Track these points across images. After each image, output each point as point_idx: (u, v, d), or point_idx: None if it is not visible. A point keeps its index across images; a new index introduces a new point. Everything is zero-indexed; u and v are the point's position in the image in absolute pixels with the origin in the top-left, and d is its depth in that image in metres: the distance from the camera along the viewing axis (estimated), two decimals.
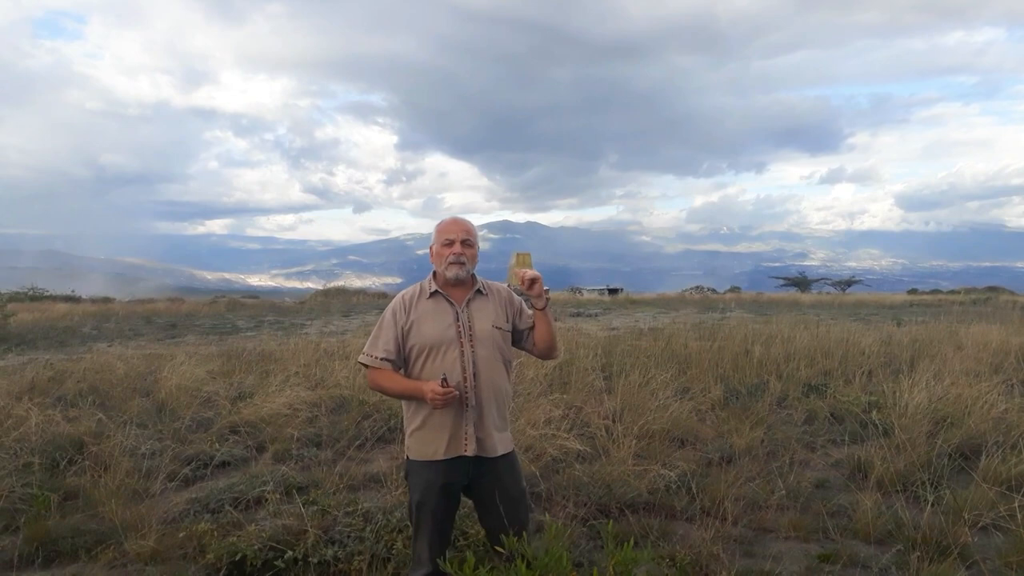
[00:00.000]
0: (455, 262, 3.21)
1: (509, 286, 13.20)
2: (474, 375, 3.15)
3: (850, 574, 4.07)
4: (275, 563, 3.91)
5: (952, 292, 50.33)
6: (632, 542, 2.69)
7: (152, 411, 7.40)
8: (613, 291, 50.16)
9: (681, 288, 55.37)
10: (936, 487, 5.05)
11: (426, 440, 3.22)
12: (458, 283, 3.27)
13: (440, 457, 3.16)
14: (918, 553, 4.05)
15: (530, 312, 3.38)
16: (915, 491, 5.05)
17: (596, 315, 26.94)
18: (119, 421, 6.60)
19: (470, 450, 3.14)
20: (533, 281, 3.14)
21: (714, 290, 54.22)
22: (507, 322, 3.32)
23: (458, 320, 3.21)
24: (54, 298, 31.94)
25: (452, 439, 3.15)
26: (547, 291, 3.24)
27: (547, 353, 3.43)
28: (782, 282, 59.96)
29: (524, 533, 3.12)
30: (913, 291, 54.25)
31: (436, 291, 3.26)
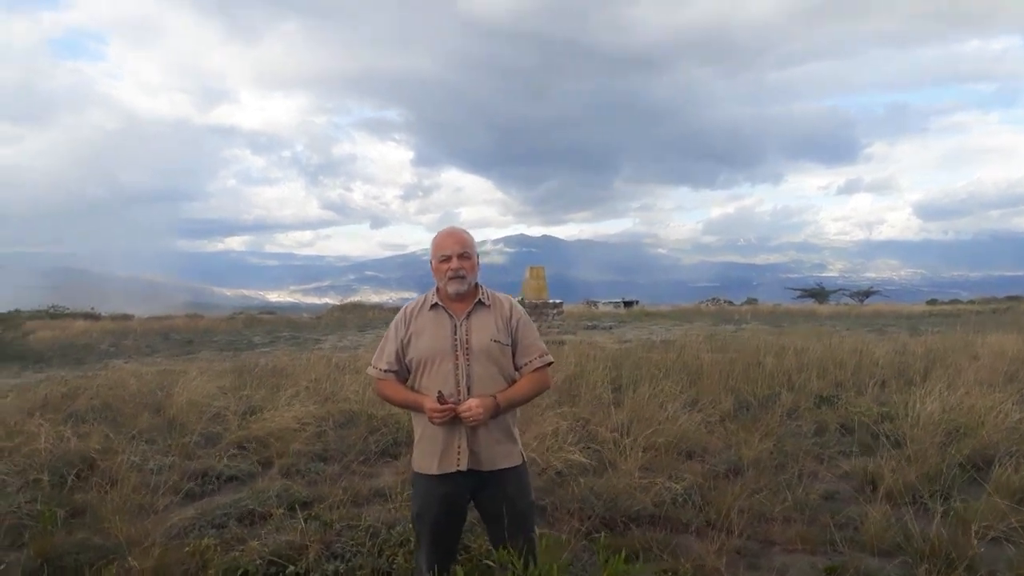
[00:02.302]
0: (454, 277, 3.20)
1: (523, 301, 13.38)
2: (468, 388, 3.13)
3: None
4: None
5: (972, 302, 49.72)
6: (623, 555, 2.66)
7: (162, 427, 7.44)
8: (628, 303, 49.99)
9: (698, 300, 55.06)
10: (946, 498, 4.98)
11: (423, 452, 3.23)
12: (459, 296, 3.26)
13: (435, 471, 3.15)
14: (926, 565, 3.99)
15: (531, 356, 3.31)
16: (924, 502, 4.98)
17: (610, 328, 26.86)
18: (128, 437, 6.65)
19: (462, 464, 3.12)
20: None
21: (730, 302, 53.83)
22: (507, 335, 3.27)
23: (455, 333, 3.19)
24: (74, 315, 32.26)
25: (445, 453, 3.13)
26: (475, 413, 3.06)
27: None
28: (799, 293, 59.46)
29: (532, 547, 3.09)
30: (932, 301, 53.61)
31: (436, 304, 3.26)
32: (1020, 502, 4.78)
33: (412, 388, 3.26)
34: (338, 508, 4.88)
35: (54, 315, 31.94)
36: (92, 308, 36.25)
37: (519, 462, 3.30)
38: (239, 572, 3.96)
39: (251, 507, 5.09)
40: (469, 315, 3.23)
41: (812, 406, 8.16)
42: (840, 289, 63.46)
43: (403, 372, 3.30)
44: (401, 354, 3.27)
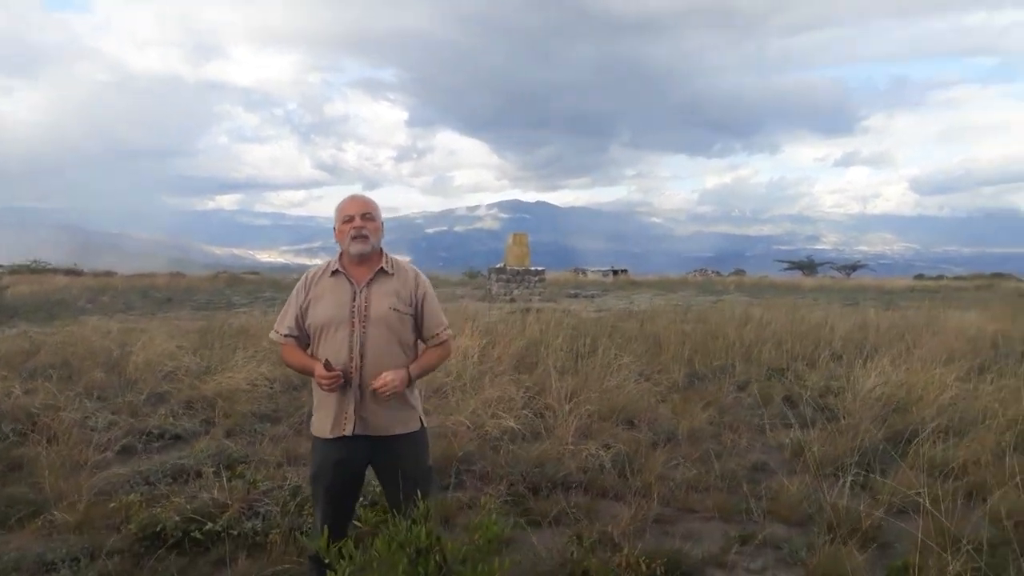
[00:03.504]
0: (357, 236, 3.20)
1: (506, 267, 13.47)
2: (361, 356, 3.17)
3: (761, 553, 4.13)
4: (192, 535, 4.00)
5: (958, 278, 50.10)
6: (493, 516, 2.74)
7: (116, 384, 7.49)
8: (616, 272, 50.15)
9: (687, 271, 55.28)
10: (867, 471, 5.09)
11: (319, 417, 3.27)
12: (363, 260, 3.25)
13: (327, 435, 3.21)
14: (829, 535, 4.11)
15: (437, 329, 3.36)
16: (844, 475, 5.08)
17: (592, 296, 26.98)
18: (76, 393, 6.71)
19: (348, 430, 3.16)
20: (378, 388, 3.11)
21: (719, 272, 54.02)
22: (408, 305, 3.29)
23: (354, 300, 3.20)
24: (55, 271, 32.18)
25: (336, 418, 3.18)
26: (391, 384, 3.11)
27: None
28: (787, 265, 59.67)
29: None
30: (920, 276, 53.89)
31: (338, 270, 3.26)
32: (935, 476, 4.90)
33: (312, 354, 3.28)
34: (265, 468, 4.97)
35: (35, 270, 31.85)
36: (75, 264, 36.16)
37: (416, 428, 3.36)
38: (158, 527, 4.03)
39: (186, 465, 5.17)
40: (370, 283, 3.24)
41: (763, 378, 8.27)
42: (828, 262, 63.67)
43: (304, 338, 3.31)
44: (301, 320, 3.28)
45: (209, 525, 4.07)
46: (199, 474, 5.00)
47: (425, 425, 3.43)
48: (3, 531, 4.31)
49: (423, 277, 3.41)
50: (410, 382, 3.24)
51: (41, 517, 4.36)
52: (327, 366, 3.07)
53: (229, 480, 4.50)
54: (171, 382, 7.48)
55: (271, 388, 7.38)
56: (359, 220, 3.22)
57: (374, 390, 3.11)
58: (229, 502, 4.26)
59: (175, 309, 19.03)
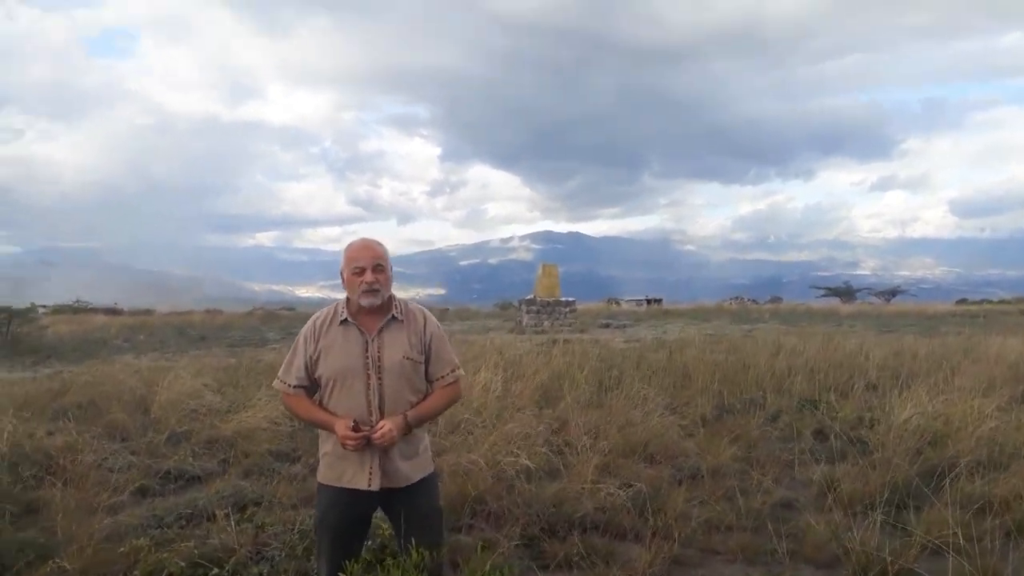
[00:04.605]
0: (368, 291, 3.08)
1: (536, 298, 13.49)
2: (380, 408, 3.07)
3: None
4: None
5: (1002, 301, 48.89)
6: (487, 567, 2.62)
7: (139, 424, 7.51)
8: (651, 301, 49.91)
9: (723, 299, 54.73)
10: (901, 508, 4.86)
11: (332, 466, 3.16)
12: (372, 309, 3.15)
13: (342, 484, 3.11)
14: None
15: (444, 371, 3.27)
16: (876, 513, 4.85)
17: (624, 326, 26.77)
18: (96, 435, 6.72)
19: (375, 484, 3.06)
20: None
21: (755, 300, 53.35)
22: (420, 352, 3.20)
23: (367, 350, 3.10)
24: (95, 310, 32.85)
25: (357, 471, 3.08)
26: (389, 435, 3.00)
27: None
28: (823, 292, 58.70)
29: (437, 551, 3.07)
30: (962, 301, 52.64)
31: (346, 319, 3.14)
32: (975, 513, 4.66)
33: (320, 403, 3.17)
34: (279, 509, 4.89)
35: (77, 310, 32.54)
36: (115, 303, 36.89)
37: (431, 471, 3.28)
38: (164, 574, 3.97)
39: (200, 507, 5.12)
40: (381, 331, 3.13)
41: (795, 410, 8.02)
42: (866, 288, 62.51)
43: (312, 387, 3.21)
44: (310, 369, 3.16)
45: (215, 571, 3.99)
46: (212, 516, 4.94)
47: (435, 466, 3.34)
48: None
49: (431, 318, 3.31)
50: (409, 430, 3.12)
51: (50, 562, 4.31)
52: (356, 428, 2.97)
53: (238, 523, 4.42)
54: (193, 421, 7.47)
55: (292, 426, 7.32)
56: (370, 274, 3.09)
57: (373, 440, 3.01)
58: (237, 546, 4.18)
59: (208, 346, 19.24)
